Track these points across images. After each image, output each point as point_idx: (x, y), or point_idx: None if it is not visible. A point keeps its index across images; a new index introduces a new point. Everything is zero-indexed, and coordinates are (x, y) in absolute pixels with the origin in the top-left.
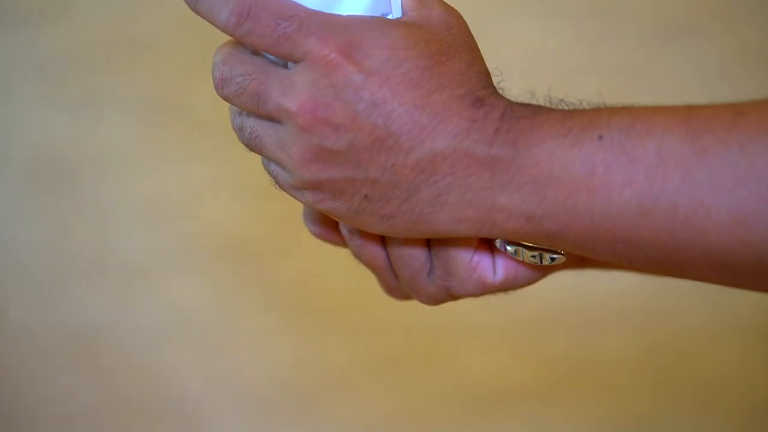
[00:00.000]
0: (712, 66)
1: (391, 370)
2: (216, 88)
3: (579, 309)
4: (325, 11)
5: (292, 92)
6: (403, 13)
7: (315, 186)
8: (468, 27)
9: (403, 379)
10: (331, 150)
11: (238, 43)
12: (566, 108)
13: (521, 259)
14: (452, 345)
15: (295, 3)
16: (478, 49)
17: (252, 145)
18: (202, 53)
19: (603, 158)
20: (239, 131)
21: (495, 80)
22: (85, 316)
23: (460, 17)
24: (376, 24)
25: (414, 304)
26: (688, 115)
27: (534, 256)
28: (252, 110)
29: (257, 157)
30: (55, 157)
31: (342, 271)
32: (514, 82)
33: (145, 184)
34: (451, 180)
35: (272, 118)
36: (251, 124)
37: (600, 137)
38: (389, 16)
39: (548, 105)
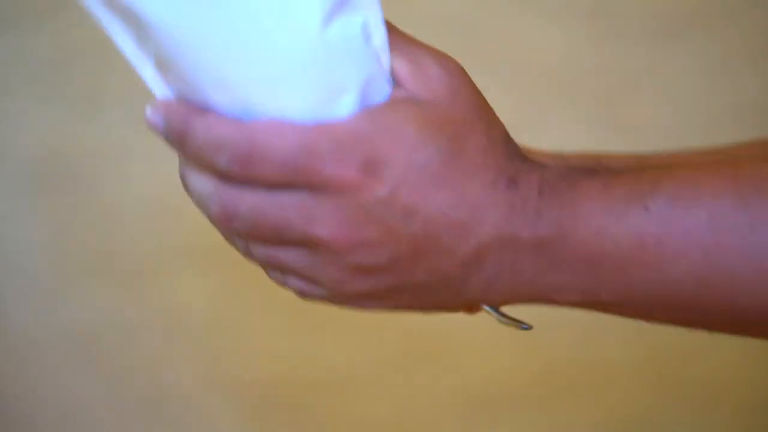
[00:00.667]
0: (715, 64)
1: (391, 370)
2: (217, 224)
3: (579, 309)
4: (325, 117)
5: (318, 220)
6: (399, 84)
7: (359, 296)
8: (468, 76)
9: (403, 379)
10: (371, 266)
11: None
12: (598, 169)
13: (495, 317)
14: (452, 345)
15: (296, 127)
16: (488, 105)
17: (267, 267)
18: None
19: (652, 231)
20: (245, 254)
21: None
22: (85, 316)
23: (458, 66)
24: (386, 127)
25: None
26: (734, 177)
27: (504, 323)
28: (270, 242)
29: None
30: (54, 156)
31: None
32: (514, 81)
33: (145, 184)
34: (500, 268)
35: (296, 245)
36: (267, 252)
37: (646, 208)
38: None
39: (580, 166)
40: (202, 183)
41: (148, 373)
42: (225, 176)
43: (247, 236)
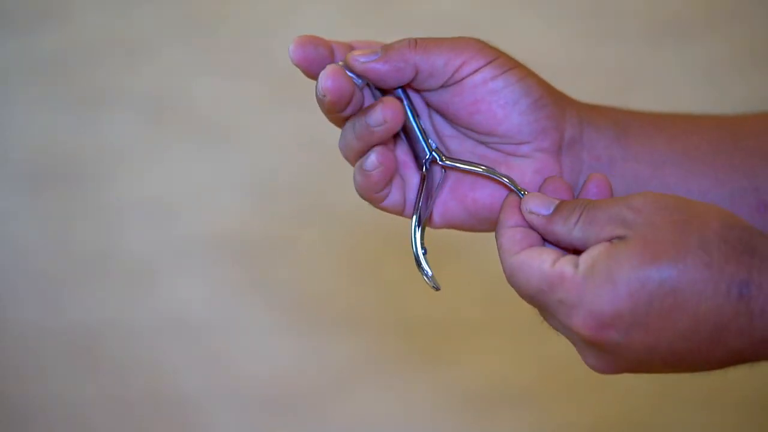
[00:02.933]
0: (714, 65)
1: (391, 370)
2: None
3: None
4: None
5: (580, 350)
6: (602, 232)
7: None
8: (658, 195)
9: (403, 379)
10: (622, 368)
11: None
12: None
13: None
14: (452, 345)
15: (540, 272)
16: (691, 207)
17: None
18: (202, 53)
19: None
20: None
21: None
22: (86, 316)
23: (644, 194)
24: (605, 277)
25: (414, 304)
26: None
27: (426, 278)
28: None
29: (257, 158)
30: (55, 157)
31: (341, 270)
32: None
33: (145, 184)
34: (743, 360)
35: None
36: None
37: None
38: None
39: None
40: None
41: (148, 373)
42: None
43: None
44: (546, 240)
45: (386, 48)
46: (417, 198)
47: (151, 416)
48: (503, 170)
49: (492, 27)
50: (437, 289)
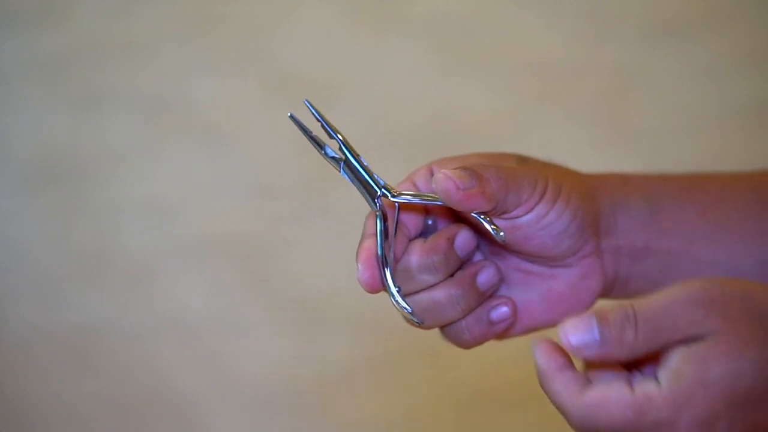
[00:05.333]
0: (713, 65)
1: (390, 369)
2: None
3: None
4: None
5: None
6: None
7: None
8: (719, 289)
9: (403, 378)
10: None
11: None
12: None
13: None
14: (452, 345)
15: (617, 405)
16: (745, 287)
17: None
18: (201, 53)
19: None
20: None
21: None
22: (86, 316)
23: (707, 287)
24: (696, 382)
25: None
26: None
27: (401, 310)
28: None
29: (256, 158)
30: (55, 156)
31: (341, 270)
32: (514, 81)
33: (145, 183)
34: None
35: None
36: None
37: None
38: None
39: None
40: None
41: (148, 373)
42: None
43: None
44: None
45: (480, 179)
46: (378, 239)
47: (150, 416)
48: (550, 283)
49: (491, 27)
50: (421, 323)
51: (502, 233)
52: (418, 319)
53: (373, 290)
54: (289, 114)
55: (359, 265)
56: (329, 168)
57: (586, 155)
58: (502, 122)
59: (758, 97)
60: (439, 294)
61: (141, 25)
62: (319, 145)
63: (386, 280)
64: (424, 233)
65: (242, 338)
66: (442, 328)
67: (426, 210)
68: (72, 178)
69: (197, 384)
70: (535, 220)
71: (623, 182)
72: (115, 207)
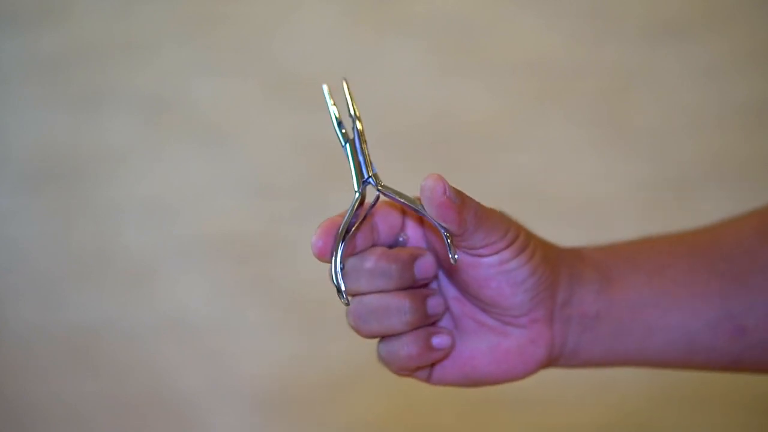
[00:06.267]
0: (713, 65)
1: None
2: None
3: None
4: None
5: None
6: None
7: None
8: None
9: (403, 379)
10: None
11: None
12: None
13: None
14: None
15: None
16: None
17: None
18: (201, 53)
19: None
20: None
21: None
22: (86, 316)
23: None
24: None
25: None
26: None
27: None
28: None
29: (256, 158)
30: (55, 156)
31: None
32: (514, 81)
33: (145, 183)
34: None
35: None
36: None
37: None
38: None
39: None
40: None
41: (148, 373)
42: None
43: None
44: None
45: (463, 201)
46: (346, 217)
47: (150, 416)
48: (500, 339)
49: (492, 27)
50: (348, 304)
51: (456, 256)
52: (346, 300)
53: (321, 257)
54: (323, 86)
55: (316, 231)
56: (329, 168)
57: (586, 155)
58: (502, 122)
59: (758, 97)
60: (390, 300)
61: (141, 25)
62: (337, 118)
63: (335, 254)
64: (392, 246)
65: (242, 338)
66: (381, 339)
67: (402, 225)
68: (72, 178)
69: (197, 384)
70: (497, 263)
71: (578, 257)
72: (115, 207)
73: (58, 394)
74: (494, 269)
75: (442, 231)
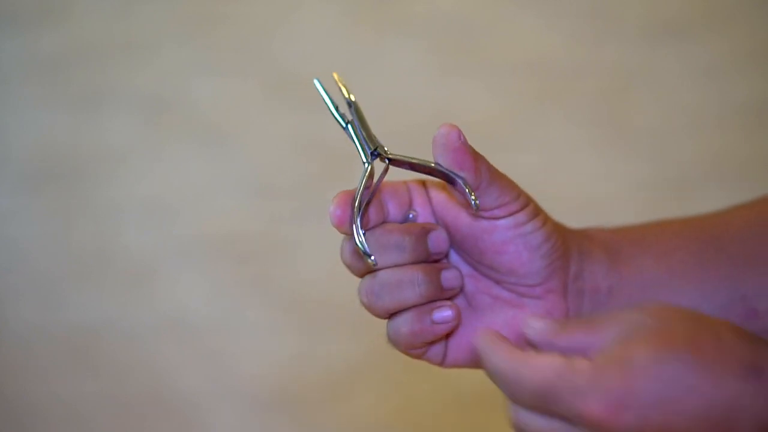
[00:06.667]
0: (713, 65)
1: (391, 370)
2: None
3: None
4: None
5: None
6: (617, 328)
7: None
8: (669, 305)
9: (403, 379)
10: None
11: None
12: None
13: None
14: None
15: (553, 363)
16: (701, 314)
17: None
18: (201, 53)
19: None
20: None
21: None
22: (86, 316)
23: (647, 306)
24: (622, 360)
25: None
26: None
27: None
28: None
29: (256, 157)
30: (55, 156)
31: (341, 270)
32: (514, 81)
33: (145, 183)
34: None
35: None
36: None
37: None
38: None
39: None
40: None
41: (148, 373)
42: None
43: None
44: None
45: (477, 154)
46: (359, 188)
47: (150, 416)
48: (516, 311)
49: (491, 27)
50: (376, 264)
51: (477, 201)
52: (374, 261)
53: (340, 226)
54: (315, 80)
55: (333, 202)
56: (329, 168)
57: (586, 155)
58: (502, 122)
59: (758, 97)
60: (404, 273)
61: (141, 25)
62: (333, 103)
63: (355, 220)
64: (402, 223)
65: (242, 338)
66: (389, 318)
67: (410, 202)
68: (72, 178)
69: (197, 384)
70: (513, 226)
71: (585, 236)
72: (115, 207)
73: (58, 394)
74: (511, 232)
75: (459, 180)
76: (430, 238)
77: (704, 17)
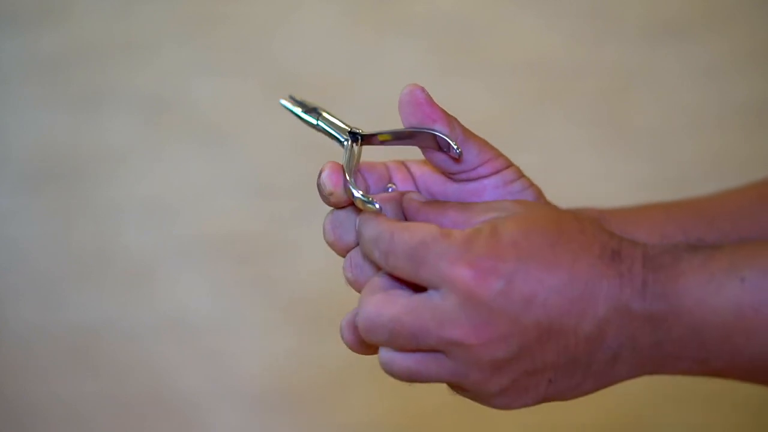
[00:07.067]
0: (713, 65)
1: None
2: (364, 335)
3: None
4: None
5: (449, 323)
6: (492, 211)
7: (502, 392)
8: (534, 201)
9: None
10: (506, 359)
11: (372, 287)
12: (700, 245)
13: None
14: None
15: (426, 229)
16: (568, 210)
17: (411, 380)
18: (201, 53)
19: (750, 301)
20: (390, 370)
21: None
22: (86, 316)
23: (524, 200)
24: (492, 230)
25: None
26: None
27: (356, 197)
28: (409, 348)
29: (256, 157)
30: (54, 156)
31: (341, 270)
32: (514, 81)
33: (145, 183)
34: (621, 340)
35: (434, 350)
36: (408, 363)
37: (742, 279)
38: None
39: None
40: (362, 295)
41: (148, 373)
42: (381, 267)
43: (391, 347)
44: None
45: (448, 114)
46: (345, 159)
47: (150, 416)
48: None
49: (491, 27)
50: (379, 208)
51: (459, 150)
52: (374, 203)
53: (336, 187)
54: (280, 101)
55: (325, 168)
56: None
57: (586, 155)
58: (502, 122)
59: (758, 97)
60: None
61: (141, 25)
62: (297, 111)
63: (349, 181)
64: None
65: (242, 338)
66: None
67: (389, 176)
68: (72, 178)
69: (197, 384)
70: (502, 184)
71: (569, 210)
72: (115, 207)
73: (58, 394)
74: (500, 191)
75: (436, 132)
76: (405, 200)
77: (704, 17)
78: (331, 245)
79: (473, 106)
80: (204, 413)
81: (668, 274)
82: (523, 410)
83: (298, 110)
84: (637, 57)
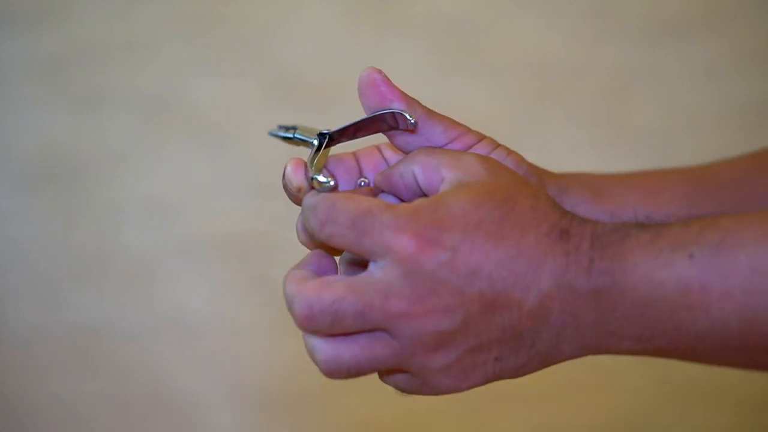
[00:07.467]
0: (713, 65)
1: None
2: (302, 326)
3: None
4: None
5: (394, 295)
6: (445, 175)
7: (448, 370)
8: (501, 163)
9: None
10: (450, 332)
11: (297, 278)
12: (649, 223)
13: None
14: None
15: (371, 200)
16: (526, 180)
17: (358, 370)
18: (201, 53)
19: (696, 276)
20: (335, 364)
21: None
22: (86, 316)
23: (492, 160)
24: (440, 201)
25: None
26: None
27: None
28: (356, 329)
29: (256, 158)
30: (54, 156)
31: None
32: (514, 81)
33: (145, 183)
34: (565, 317)
35: (380, 329)
36: (355, 351)
37: (691, 255)
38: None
39: (633, 220)
40: (289, 289)
41: (148, 373)
42: (316, 237)
43: (339, 331)
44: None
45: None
46: (310, 156)
47: (150, 416)
48: None
49: (491, 27)
50: (334, 186)
51: (414, 120)
52: (328, 180)
53: (295, 172)
54: (268, 132)
55: (288, 166)
56: None
57: (586, 155)
58: (502, 122)
59: (758, 97)
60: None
61: (141, 25)
62: (283, 131)
63: (310, 172)
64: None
65: (242, 338)
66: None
67: (359, 169)
68: (72, 178)
69: (197, 384)
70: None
71: (564, 175)
72: (115, 207)
73: (58, 394)
74: None
75: (394, 110)
76: (376, 183)
77: (704, 17)
78: (306, 245)
79: (473, 106)
80: (204, 413)
81: (615, 250)
82: (523, 410)
83: (280, 132)
84: (637, 57)
